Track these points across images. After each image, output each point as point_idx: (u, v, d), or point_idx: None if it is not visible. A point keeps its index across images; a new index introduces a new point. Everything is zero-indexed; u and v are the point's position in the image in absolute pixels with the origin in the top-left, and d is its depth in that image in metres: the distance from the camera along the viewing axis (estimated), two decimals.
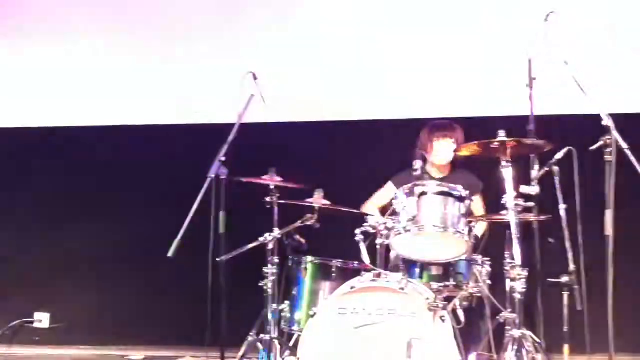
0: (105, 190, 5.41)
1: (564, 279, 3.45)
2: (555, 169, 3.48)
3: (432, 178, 4.21)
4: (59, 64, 5.52)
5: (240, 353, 3.71)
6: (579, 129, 3.35)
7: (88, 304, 5.32)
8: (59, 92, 5.54)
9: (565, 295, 3.49)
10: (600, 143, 3.09)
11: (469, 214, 3.50)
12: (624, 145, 3.04)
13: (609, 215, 3.02)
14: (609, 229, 3.01)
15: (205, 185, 3.44)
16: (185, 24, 5.38)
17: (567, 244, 3.42)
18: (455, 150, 4.17)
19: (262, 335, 3.67)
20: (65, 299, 5.31)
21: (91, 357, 5.16)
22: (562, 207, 3.50)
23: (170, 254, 3.27)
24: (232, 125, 3.67)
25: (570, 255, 3.41)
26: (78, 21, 5.52)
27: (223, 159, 3.50)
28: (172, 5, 5.46)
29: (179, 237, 3.26)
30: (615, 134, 3.07)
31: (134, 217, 5.30)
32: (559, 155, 3.46)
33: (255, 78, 3.74)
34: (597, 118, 3.13)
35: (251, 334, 3.76)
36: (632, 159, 3.00)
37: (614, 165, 3.06)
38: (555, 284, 3.49)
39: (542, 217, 3.60)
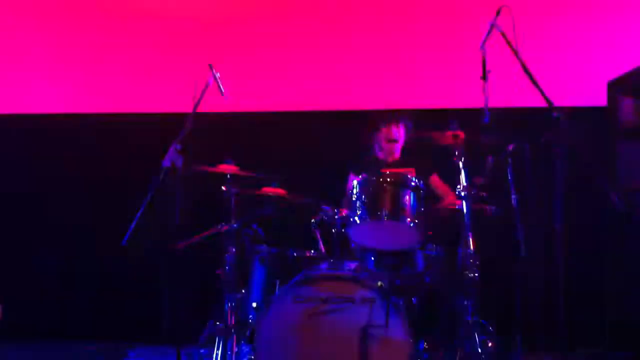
0: (57, 179, 5.30)
1: (516, 267, 3.52)
2: (508, 160, 3.55)
3: (386, 164, 4.26)
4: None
5: (198, 341, 3.70)
6: (532, 121, 3.42)
7: (40, 296, 5.22)
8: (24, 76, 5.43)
9: (518, 284, 3.56)
10: (549, 135, 3.15)
11: (423, 201, 3.55)
12: (570, 137, 3.11)
13: (557, 206, 3.08)
14: (557, 218, 3.07)
15: (161, 174, 3.40)
16: (140, 12, 5.31)
17: (519, 234, 3.49)
18: (404, 144, 4.26)
19: (218, 324, 3.66)
20: (18, 291, 5.20)
21: (44, 349, 5.07)
22: (514, 198, 3.58)
23: (124, 242, 3.23)
24: (189, 114, 3.64)
25: (522, 244, 3.48)
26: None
27: (178, 147, 3.46)
28: None
29: (133, 224, 3.23)
30: (564, 126, 3.13)
31: (87, 207, 5.22)
32: (512, 147, 3.54)
33: (211, 67, 3.70)
34: (549, 110, 3.19)
35: (208, 323, 3.76)
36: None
37: (562, 156, 3.12)
38: (508, 273, 3.56)
39: (495, 207, 3.67)
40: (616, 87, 4.50)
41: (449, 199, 4.01)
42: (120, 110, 5.31)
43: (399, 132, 4.27)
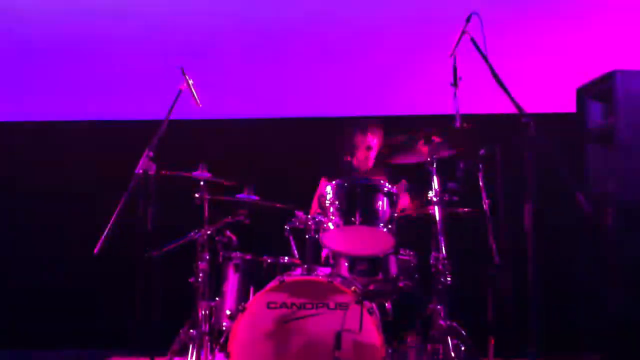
0: (29, 187, 5.24)
1: (489, 272, 3.56)
2: (479, 165, 3.59)
3: (358, 172, 4.29)
4: None
5: (170, 350, 3.68)
6: (504, 127, 3.47)
7: (11, 305, 5.15)
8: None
9: (490, 288, 3.59)
10: (519, 141, 3.19)
11: (396, 207, 3.58)
12: (541, 143, 3.15)
13: (528, 210, 3.11)
14: (528, 222, 3.10)
15: (133, 182, 3.38)
16: (116, 18, 5.29)
17: (491, 238, 3.52)
18: (377, 151, 4.29)
19: (191, 332, 3.65)
20: None
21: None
22: (485, 203, 3.61)
23: (96, 251, 3.20)
24: (162, 121, 3.63)
25: (494, 250, 3.51)
26: None
27: (151, 154, 3.44)
28: None
29: (105, 233, 3.20)
30: (534, 132, 3.17)
31: (59, 215, 5.18)
32: (483, 152, 3.58)
33: (184, 73, 3.69)
34: (519, 117, 3.23)
35: (181, 330, 3.73)
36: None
37: (533, 161, 3.16)
38: (481, 277, 3.59)
39: (467, 210, 3.70)
40: (585, 92, 4.58)
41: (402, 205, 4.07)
42: (92, 117, 5.27)
43: (374, 140, 4.31)
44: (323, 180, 4.36)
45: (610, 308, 4.13)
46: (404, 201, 4.05)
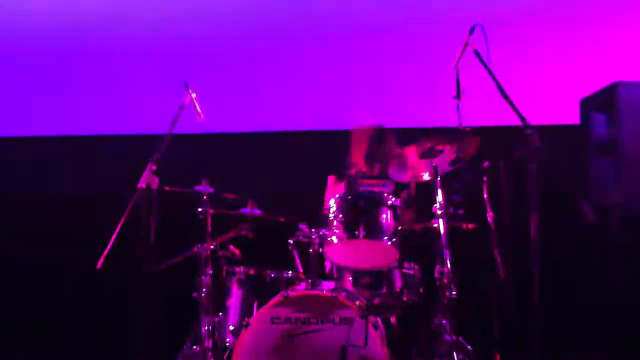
0: (27, 202, 5.24)
1: (494, 286, 3.54)
2: (483, 178, 3.58)
3: (366, 176, 4.27)
4: None
5: None
6: (508, 140, 3.45)
7: (12, 314, 5.13)
8: None
9: (496, 302, 3.57)
10: (524, 153, 3.18)
11: (399, 220, 3.56)
12: (545, 154, 3.14)
13: (533, 221, 3.09)
14: (533, 235, 3.08)
15: (135, 195, 3.37)
16: (119, 33, 5.30)
17: (496, 254, 3.51)
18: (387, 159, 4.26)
19: (194, 348, 3.62)
20: None
21: None
22: (490, 216, 3.60)
23: (98, 266, 3.19)
24: (165, 135, 3.62)
25: (499, 264, 3.49)
26: None
27: (154, 168, 3.43)
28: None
29: (107, 248, 3.19)
30: (538, 143, 3.15)
31: (60, 229, 5.17)
32: (487, 165, 3.57)
33: (187, 87, 3.68)
34: (523, 128, 3.22)
35: (184, 346, 3.71)
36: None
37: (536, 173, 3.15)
38: (486, 291, 3.57)
39: (471, 225, 3.68)
40: (589, 104, 4.58)
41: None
42: (94, 132, 5.28)
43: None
44: (331, 178, 4.32)
45: (615, 319, 4.11)
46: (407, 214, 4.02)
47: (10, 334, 5.10)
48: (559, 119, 4.91)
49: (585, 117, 4.61)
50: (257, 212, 3.85)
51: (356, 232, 3.43)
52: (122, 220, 3.26)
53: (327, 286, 3.46)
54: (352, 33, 5.16)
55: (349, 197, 3.50)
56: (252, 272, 3.74)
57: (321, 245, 3.50)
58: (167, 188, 3.55)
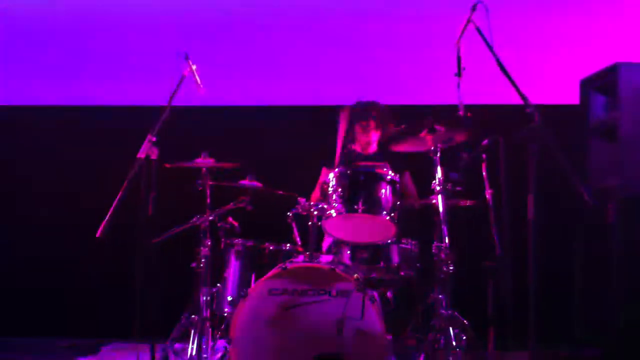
0: (30, 171, 5.24)
1: (490, 263, 3.56)
2: (482, 156, 3.59)
3: (362, 157, 4.28)
4: None
5: (171, 336, 3.68)
6: (508, 118, 3.45)
7: (8, 291, 5.15)
8: None
9: (492, 279, 3.59)
10: (524, 131, 3.17)
11: (399, 195, 3.58)
12: (544, 134, 3.13)
13: (530, 201, 3.11)
14: (530, 214, 3.10)
15: (135, 166, 3.37)
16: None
17: (494, 231, 3.52)
18: (381, 132, 4.27)
19: (192, 317, 3.64)
20: None
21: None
22: (488, 193, 3.62)
23: (98, 234, 3.20)
24: (165, 107, 3.60)
25: (496, 242, 3.51)
26: None
27: (153, 139, 3.42)
28: None
29: (107, 217, 3.19)
30: (538, 122, 3.15)
31: (59, 199, 5.18)
32: (486, 143, 3.57)
33: (187, 58, 3.66)
34: (524, 107, 3.22)
35: (182, 316, 3.73)
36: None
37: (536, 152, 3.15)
38: (482, 268, 3.59)
39: (469, 202, 3.71)
40: (588, 85, 4.56)
41: (411, 200, 4.06)
42: (95, 103, 5.26)
43: (374, 123, 4.28)
44: (324, 170, 4.35)
45: (611, 302, 4.13)
46: (413, 200, 4.03)
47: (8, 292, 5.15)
48: (559, 98, 4.90)
49: (585, 97, 4.60)
50: (256, 184, 3.86)
51: (355, 206, 3.45)
52: (122, 190, 3.25)
53: (325, 259, 3.49)
54: (354, 9, 5.14)
55: (348, 172, 3.51)
56: (250, 244, 3.76)
57: (320, 218, 3.52)
58: (167, 165, 3.57)
